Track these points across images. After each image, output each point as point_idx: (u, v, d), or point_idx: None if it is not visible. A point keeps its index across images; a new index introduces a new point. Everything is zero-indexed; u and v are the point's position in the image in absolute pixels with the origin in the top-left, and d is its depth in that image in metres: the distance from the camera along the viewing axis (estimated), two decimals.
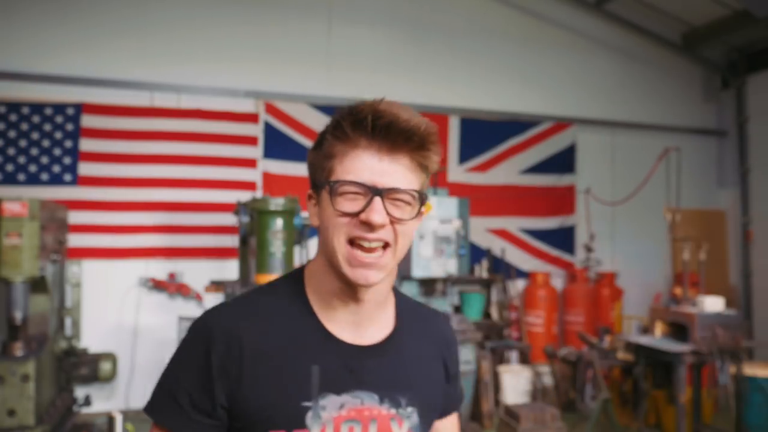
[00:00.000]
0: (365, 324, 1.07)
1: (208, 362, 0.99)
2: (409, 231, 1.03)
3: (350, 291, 1.03)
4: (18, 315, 3.79)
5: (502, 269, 6.74)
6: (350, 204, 0.98)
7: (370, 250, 0.98)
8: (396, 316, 1.13)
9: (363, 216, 0.96)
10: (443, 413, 1.21)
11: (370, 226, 0.97)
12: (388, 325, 1.11)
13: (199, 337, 1.02)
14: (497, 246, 6.90)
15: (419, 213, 1.03)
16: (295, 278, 1.10)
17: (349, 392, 1.02)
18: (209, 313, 1.06)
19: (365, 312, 1.06)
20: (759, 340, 6.74)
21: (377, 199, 0.97)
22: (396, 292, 1.18)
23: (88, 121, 5.71)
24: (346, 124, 0.98)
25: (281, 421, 0.98)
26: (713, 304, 4.75)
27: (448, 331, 1.23)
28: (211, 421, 0.99)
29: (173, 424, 1.00)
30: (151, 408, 1.02)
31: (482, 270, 6.54)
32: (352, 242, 0.98)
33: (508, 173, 7.02)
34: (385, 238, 0.98)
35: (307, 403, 0.99)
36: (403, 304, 1.17)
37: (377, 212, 0.96)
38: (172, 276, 5.84)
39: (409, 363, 1.10)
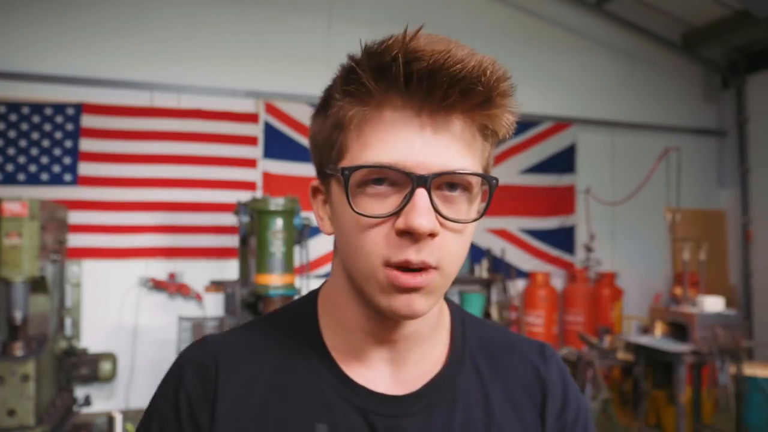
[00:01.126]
0: (406, 363, 0.73)
1: (176, 405, 0.72)
2: (467, 238, 0.67)
3: (384, 325, 0.71)
4: (18, 315, 3.79)
5: (502, 269, 6.74)
6: (377, 204, 0.63)
7: (416, 273, 0.63)
8: (451, 345, 0.77)
9: (399, 223, 0.61)
10: None
11: (412, 237, 0.62)
12: (441, 361, 0.75)
13: (174, 373, 0.75)
14: (497, 246, 6.90)
15: (485, 210, 0.68)
16: (305, 303, 0.79)
17: None
18: (192, 345, 0.78)
19: (404, 346, 0.73)
20: (759, 340, 6.74)
21: (421, 192, 0.61)
22: (453, 308, 0.80)
23: (87, 121, 5.71)
24: (364, 72, 0.62)
25: None
26: (713, 304, 4.75)
27: (551, 369, 0.79)
28: None
29: None
30: None
31: (482, 270, 6.54)
32: (390, 264, 0.63)
33: (508, 173, 7.02)
34: (430, 262, 0.63)
35: None
36: (466, 326, 0.79)
37: (422, 213, 0.60)
38: (172, 276, 5.84)
39: (476, 416, 0.73)
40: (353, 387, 0.71)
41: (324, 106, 0.69)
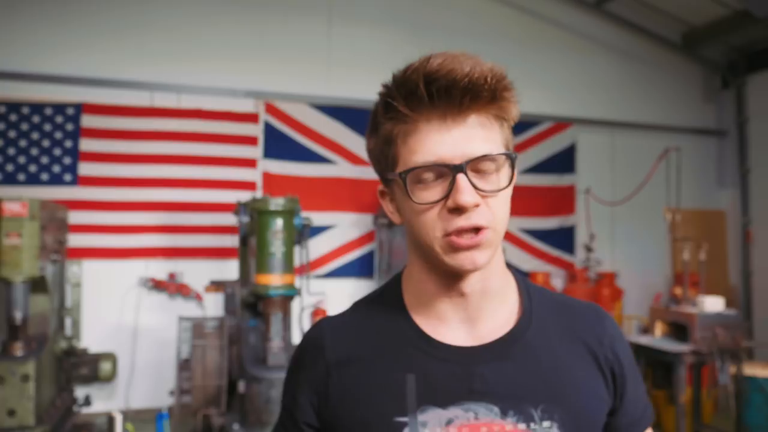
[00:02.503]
0: (479, 320, 0.90)
1: (296, 379, 0.95)
2: (506, 200, 0.87)
3: (455, 284, 0.87)
4: (18, 315, 3.79)
5: None
6: (430, 192, 0.82)
7: (468, 232, 0.82)
8: (521, 307, 0.93)
9: (450, 203, 0.81)
10: (630, 428, 0.94)
11: (460, 211, 0.81)
12: (511, 320, 0.92)
13: (297, 352, 0.99)
14: None
15: (512, 178, 0.87)
16: (391, 283, 0.98)
17: (459, 404, 0.84)
18: (311, 328, 1.00)
19: (476, 304, 0.89)
20: (759, 340, 6.74)
21: (461, 177, 0.80)
22: (518, 277, 0.99)
23: (88, 121, 5.71)
24: (398, 102, 0.82)
25: None
26: (713, 304, 4.75)
27: (605, 325, 0.96)
28: None
29: None
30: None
31: None
32: (448, 233, 0.82)
33: None
34: (480, 224, 0.81)
35: (401, 419, 0.84)
36: (531, 291, 0.97)
37: (465, 192, 0.80)
38: (172, 276, 5.83)
39: (544, 364, 0.88)
40: (433, 343, 0.89)
41: (374, 128, 0.89)
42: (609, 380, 0.92)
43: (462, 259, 0.82)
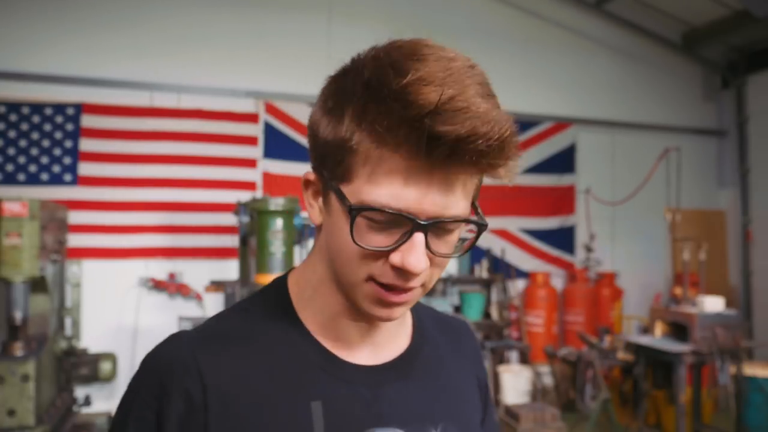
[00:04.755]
0: (380, 340, 0.80)
1: (144, 416, 0.71)
2: (449, 261, 0.74)
3: (363, 315, 0.75)
4: (18, 315, 3.79)
5: (502, 269, 6.74)
6: (376, 236, 0.67)
7: (402, 291, 0.70)
8: (413, 322, 0.86)
9: (396, 258, 0.66)
10: None
11: (403, 273, 0.67)
12: (406, 336, 0.84)
13: (145, 376, 0.74)
14: (497, 246, 6.90)
15: (472, 245, 0.73)
16: (275, 290, 0.82)
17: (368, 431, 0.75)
18: (164, 344, 0.76)
19: (382, 331, 0.80)
20: (759, 340, 6.74)
21: (419, 237, 0.65)
22: None
23: (88, 121, 5.71)
24: (390, 118, 0.62)
25: None
26: (713, 304, 4.75)
27: (475, 339, 0.96)
28: None
29: None
30: None
31: (482, 270, 6.54)
32: (374, 280, 0.70)
33: None
34: (416, 286, 0.70)
35: None
36: (420, 309, 0.90)
37: (418, 256, 0.65)
38: (172, 276, 5.83)
39: (440, 381, 0.83)
40: (339, 363, 0.76)
41: (338, 107, 0.68)
42: (482, 394, 0.91)
43: (381, 312, 0.71)
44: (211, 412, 0.69)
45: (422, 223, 0.65)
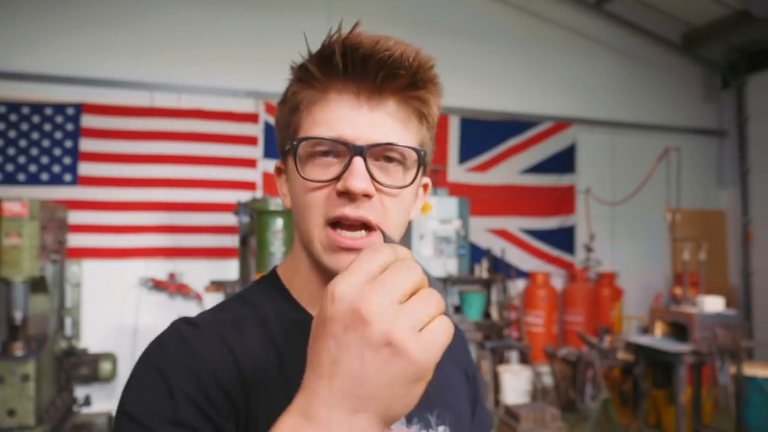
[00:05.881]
0: None
1: (200, 384, 0.69)
2: (404, 205, 0.76)
3: (328, 274, 0.77)
4: (18, 315, 3.79)
5: (502, 269, 6.74)
6: (322, 170, 0.73)
7: (353, 229, 0.73)
8: None
9: (339, 185, 0.71)
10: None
11: (349, 197, 0.71)
12: None
13: (181, 352, 0.72)
14: (497, 246, 6.90)
15: (416, 178, 0.76)
16: (267, 280, 0.85)
17: None
18: (179, 325, 0.76)
19: None
20: (759, 340, 6.74)
21: (357, 160, 0.71)
22: None
23: (88, 121, 5.71)
24: (311, 63, 0.74)
25: None
26: (713, 304, 4.75)
27: (463, 335, 0.98)
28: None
29: None
30: None
31: (482, 270, 6.54)
32: (332, 224, 0.74)
33: (508, 173, 7.02)
34: (367, 217, 0.72)
35: None
36: None
37: (357, 177, 0.70)
38: (172, 276, 5.84)
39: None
40: None
41: (285, 94, 0.80)
42: (471, 385, 0.93)
43: (341, 261, 0.72)
44: (250, 390, 0.71)
45: (358, 146, 0.71)
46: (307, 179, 0.73)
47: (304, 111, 0.75)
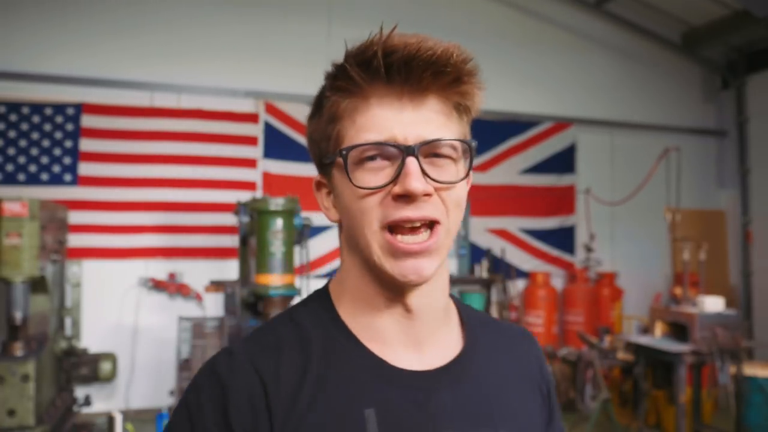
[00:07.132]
0: (425, 343, 0.78)
1: (227, 422, 0.71)
2: (461, 198, 0.76)
3: (399, 297, 0.76)
4: (18, 315, 3.79)
5: (502, 269, 6.74)
6: (372, 175, 0.71)
7: (415, 231, 0.72)
8: (463, 330, 0.84)
9: (397, 188, 0.70)
10: None
11: (408, 199, 0.70)
12: (457, 343, 0.83)
13: (209, 391, 0.73)
14: (497, 246, 6.90)
15: (469, 170, 0.76)
16: (317, 298, 0.82)
17: None
18: (217, 357, 0.77)
19: (422, 325, 0.78)
20: (759, 340, 6.74)
21: (411, 160, 0.70)
22: (454, 299, 0.88)
23: (88, 121, 5.71)
24: (351, 68, 0.72)
25: None
26: (713, 304, 4.75)
27: (537, 348, 0.93)
28: None
29: None
30: None
31: (482, 270, 6.54)
32: (390, 229, 0.72)
33: (508, 173, 7.02)
34: (431, 215, 0.71)
35: None
36: (470, 314, 0.88)
37: (415, 177, 0.69)
38: (172, 276, 5.84)
39: (496, 389, 0.81)
40: (388, 368, 0.75)
41: (318, 106, 0.78)
42: (545, 402, 0.88)
43: (405, 268, 0.71)
44: (275, 417, 0.70)
45: (409, 145, 0.70)
46: (362, 188, 0.71)
47: (347, 119, 0.74)
